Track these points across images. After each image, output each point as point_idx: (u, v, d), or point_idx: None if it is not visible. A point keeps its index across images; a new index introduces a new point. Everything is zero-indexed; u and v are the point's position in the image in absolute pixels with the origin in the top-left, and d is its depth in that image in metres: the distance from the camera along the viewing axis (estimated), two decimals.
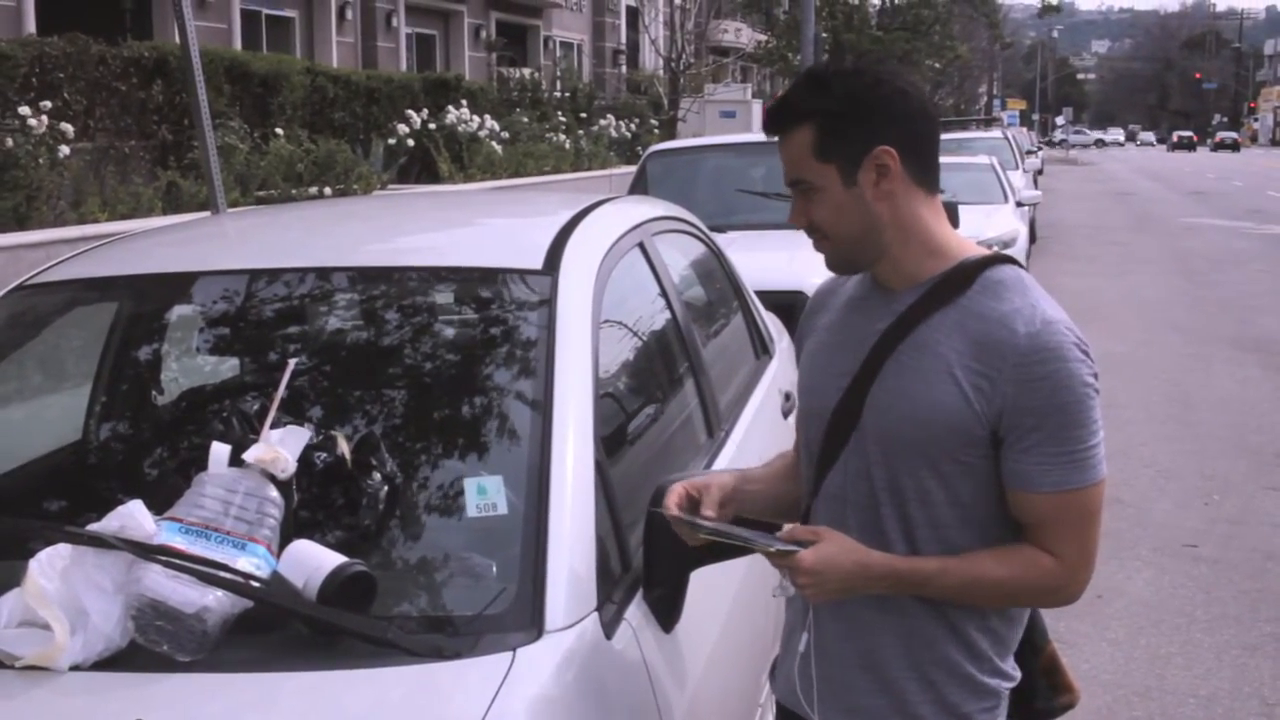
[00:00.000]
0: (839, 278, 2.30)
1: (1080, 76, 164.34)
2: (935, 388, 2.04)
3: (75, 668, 2.02)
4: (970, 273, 2.10)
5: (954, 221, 9.66)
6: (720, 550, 2.28)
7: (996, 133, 26.12)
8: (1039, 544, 2.07)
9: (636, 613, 2.35)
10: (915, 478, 2.08)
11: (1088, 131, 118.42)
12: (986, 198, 14.78)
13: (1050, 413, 1.99)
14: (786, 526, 2.16)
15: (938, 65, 41.56)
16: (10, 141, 10.78)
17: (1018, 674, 2.21)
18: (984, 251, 2.17)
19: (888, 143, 2.07)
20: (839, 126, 2.08)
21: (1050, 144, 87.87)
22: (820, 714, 2.21)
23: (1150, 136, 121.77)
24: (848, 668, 2.18)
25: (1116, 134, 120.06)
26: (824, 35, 29.21)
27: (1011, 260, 2.16)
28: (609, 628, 2.22)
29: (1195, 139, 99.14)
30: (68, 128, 11.56)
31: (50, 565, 2.09)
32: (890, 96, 2.09)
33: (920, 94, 2.15)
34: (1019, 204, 16.07)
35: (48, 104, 11.54)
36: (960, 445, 2.05)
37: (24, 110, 11.18)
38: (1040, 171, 34.09)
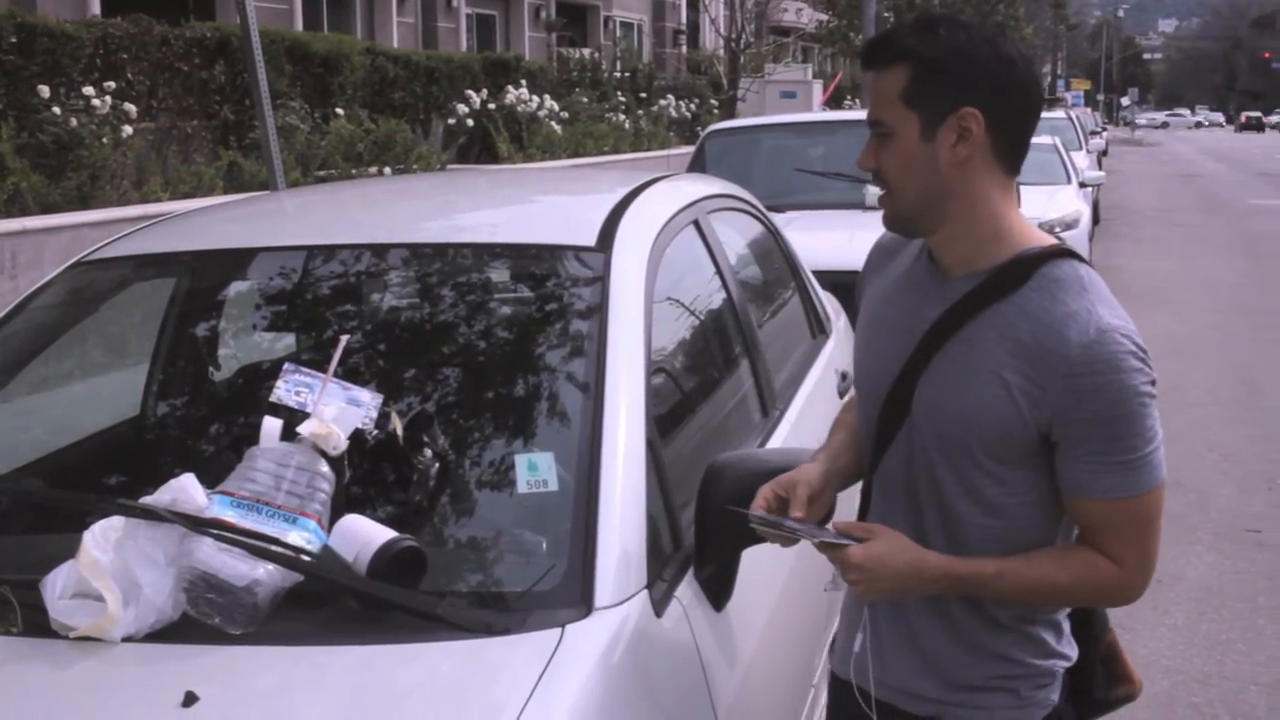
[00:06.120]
0: (899, 237, 2.22)
1: (1146, 56, 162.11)
2: (982, 388, 1.99)
3: (128, 639, 2.03)
4: (1028, 267, 2.02)
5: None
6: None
7: (1060, 113, 25.85)
8: (1097, 548, 2.02)
9: (687, 591, 2.34)
10: (963, 474, 2.04)
11: (1157, 114, 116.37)
12: (1049, 178, 14.56)
13: (1102, 424, 1.94)
14: (841, 521, 2.11)
15: None
16: (74, 121, 10.90)
17: (1074, 652, 2.18)
18: (1046, 241, 2.08)
19: (978, 105, 1.99)
20: (933, 75, 1.99)
21: (1127, 123, 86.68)
22: (877, 692, 2.20)
23: (1219, 116, 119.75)
24: (903, 663, 2.18)
25: (1183, 115, 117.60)
26: (886, 15, 28.92)
27: (1074, 255, 2.07)
28: (659, 605, 2.21)
29: (1263, 119, 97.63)
30: (131, 108, 11.67)
31: (104, 537, 2.10)
32: (994, 61, 1.99)
33: (1029, 72, 2.04)
34: (1082, 184, 15.86)
35: (111, 84, 11.65)
36: (1008, 447, 2.00)
37: (88, 90, 11.30)
38: (1104, 152, 33.66)
